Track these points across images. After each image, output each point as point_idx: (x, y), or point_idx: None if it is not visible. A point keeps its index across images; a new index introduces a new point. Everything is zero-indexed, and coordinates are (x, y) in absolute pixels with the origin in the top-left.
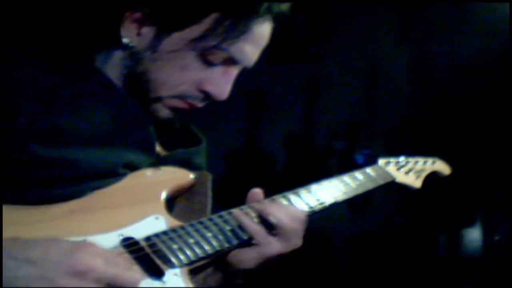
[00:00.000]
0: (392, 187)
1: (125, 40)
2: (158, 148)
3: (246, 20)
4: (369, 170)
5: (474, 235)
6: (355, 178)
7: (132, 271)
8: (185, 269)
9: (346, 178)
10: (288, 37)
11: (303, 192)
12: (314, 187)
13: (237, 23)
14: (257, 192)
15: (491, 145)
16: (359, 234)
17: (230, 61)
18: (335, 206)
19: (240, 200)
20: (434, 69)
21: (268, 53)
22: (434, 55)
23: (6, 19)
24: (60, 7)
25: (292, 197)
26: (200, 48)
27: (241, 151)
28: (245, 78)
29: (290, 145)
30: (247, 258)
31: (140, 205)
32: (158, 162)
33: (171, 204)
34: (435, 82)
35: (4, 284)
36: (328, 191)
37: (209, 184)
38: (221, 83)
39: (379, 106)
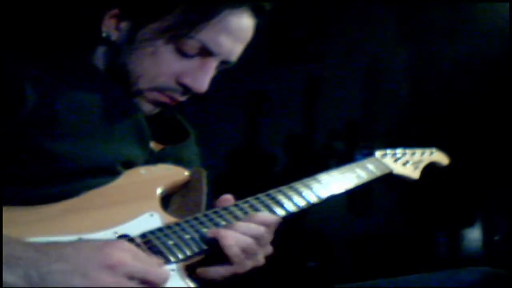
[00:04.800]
0: (391, 180)
1: (104, 34)
2: (151, 144)
3: (216, 10)
4: (366, 162)
5: (474, 235)
6: (352, 171)
7: (162, 268)
8: (182, 264)
9: (343, 170)
10: (288, 37)
11: (299, 186)
12: (310, 181)
13: (205, 11)
14: (228, 198)
15: (491, 145)
16: (359, 235)
17: (206, 52)
18: (331, 199)
19: (240, 200)
20: (434, 69)
21: (268, 53)
22: (434, 55)
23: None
24: (44, 8)
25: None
26: (172, 37)
27: (241, 151)
28: (245, 78)
29: (290, 145)
30: (215, 274)
31: (135, 203)
32: (151, 158)
33: (166, 201)
34: (435, 82)
35: (38, 279)
36: (325, 185)
37: (204, 181)
38: (198, 75)
39: (379, 106)
